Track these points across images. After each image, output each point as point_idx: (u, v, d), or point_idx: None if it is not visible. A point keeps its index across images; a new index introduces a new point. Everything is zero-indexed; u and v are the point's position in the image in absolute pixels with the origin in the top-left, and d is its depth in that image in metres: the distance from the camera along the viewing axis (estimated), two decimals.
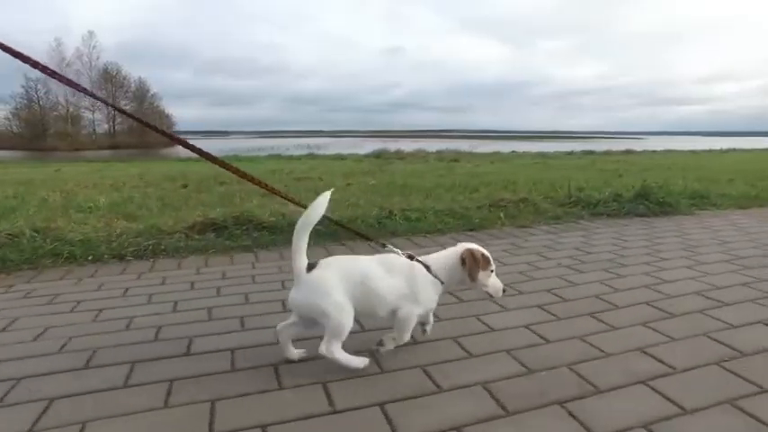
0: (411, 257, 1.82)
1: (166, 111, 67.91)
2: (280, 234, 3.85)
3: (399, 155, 16.16)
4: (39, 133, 49.92)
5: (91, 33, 59.51)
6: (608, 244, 3.62)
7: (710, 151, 22.05)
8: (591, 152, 20.34)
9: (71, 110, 55.16)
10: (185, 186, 7.44)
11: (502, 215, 4.53)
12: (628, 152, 20.54)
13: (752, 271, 2.88)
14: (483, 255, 1.83)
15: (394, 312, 1.75)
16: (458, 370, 1.72)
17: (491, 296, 1.88)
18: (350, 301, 1.67)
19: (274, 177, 8.41)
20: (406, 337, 1.80)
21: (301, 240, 1.67)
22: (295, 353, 1.79)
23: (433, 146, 26.28)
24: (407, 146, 21.91)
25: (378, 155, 16.33)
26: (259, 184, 1.87)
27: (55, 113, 52.91)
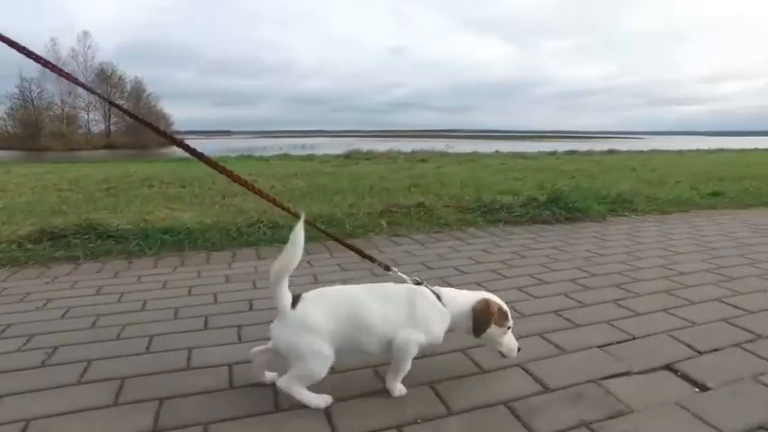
0: (418, 284, 1.62)
1: (164, 111, 67.86)
2: (126, 242, 3.54)
3: (368, 155, 15.80)
4: (34, 133, 49.96)
5: (86, 33, 59.46)
6: (464, 257, 3.23)
7: (698, 151, 21.52)
8: (573, 152, 19.88)
9: (66, 110, 55.24)
10: (108, 189, 7.14)
11: (384, 222, 4.16)
12: (610, 152, 20.04)
13: (590, 293, 2.49)
14: (500, 309, 1.62)
15: (390, 344, 1.51)
16: None
17: (503, 355, 1.67)
18: (335, 343, 1.47)
19: (208, 181, 8.06)
20: (406, 367, 1.54)
21: (280, 283, 1.44)
22: (268, 377, 1.60)
23: (429, 146, 26.11)
24: (404, 146, 21.57)
25: (348, 155, 15.98)
26: (245, 185, 1.66)
27: (50, 113, 52.94)
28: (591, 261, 3.10)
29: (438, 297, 1.58)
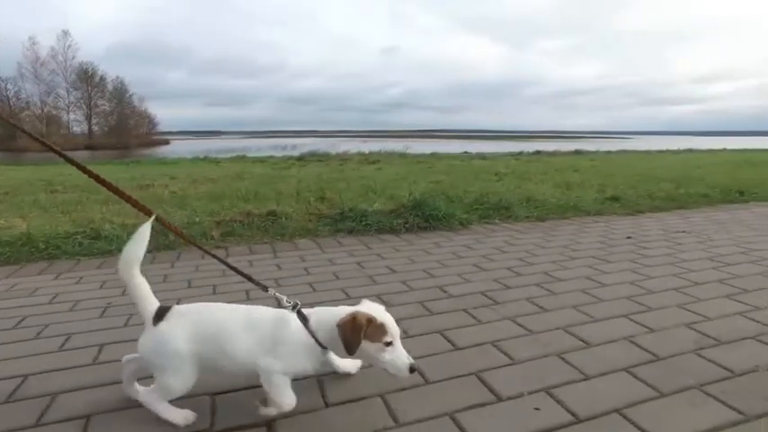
0: (295, 306, 1.50)
1: (149, 111, 67.31)
2: None
3: (321, 157, 15.53)
4: (11, 134, 49.26)
5: (65, 32, 58.74)
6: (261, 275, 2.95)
7: (667, 151, 21.41)
8: (539, 152, 19.67)
9: (46, 110, 54.60)
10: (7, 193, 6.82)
11: (215, 234, 3.88)
12: (576, 152, 19.89)
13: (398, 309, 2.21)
14: (372, 321, 1.41)
15: (250, 370, 1.44)
16: None
17: (391, 374, 1.44)
18: (197, 363, 1.42)
19: (123, 184, 7.71)
20: (285, 403, 1.43)
21: (133, 281, 1.42)
22: (137, 390, 1.52)
23: (423, 146, 26.00)
24: (393, 146, 21.25)
25: (300, 157, 15.68)
26: (110, 187, 1.55)
27: (26, 113, 52.25)
28: (398, 275, 2.83)
29: (305, 322, 1.46)
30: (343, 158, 15.17)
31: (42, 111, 53.96)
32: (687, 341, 1.95)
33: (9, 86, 51.10)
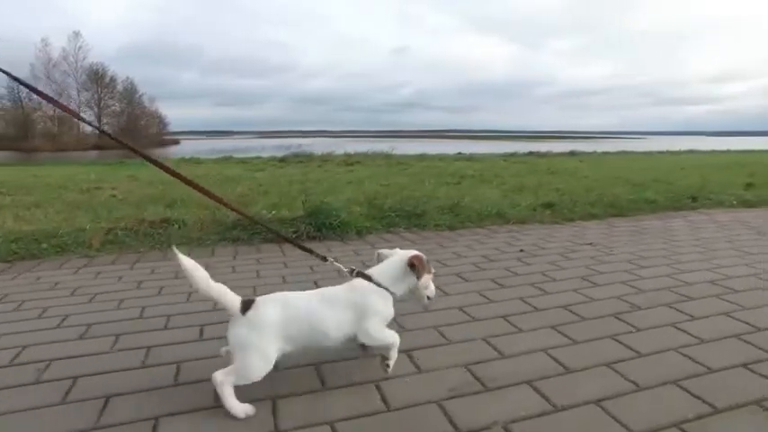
0: (352, 271, 1.77)
1: (159, 111, 68.09)
2: None
3: (302, 158, 15.36)
4: (22, 134, 50.23)
5: (76, 33, 59.58)
6: (100, 287, 2.78)
7: (666, 152, 20.82)
8: (532, 153, 19.25)
9: (57, 111, 55.52)
10: None
11: (95, 242, 3.73)
12: (571, 153, 19.44)
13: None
14: (427, 259, 1.80)
15: (352, 340, 1.68)
16: None
17: (429, 299, 1.85)
18: (281, 346, 1.58)
19: (72, 186, 7.66)
20: (394, 342, 1.72)
21: (210, 286, 1.55)
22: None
23: (433, 147, 25.82)
24: (402, 146, 20.94)
25: (283, 158, 15.55)
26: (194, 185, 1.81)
27: (39, 113, 53.17)
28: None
29: (369, 278, 1.71)
30: (325, 160, 15.01)
31: (54, 112, 54.82)
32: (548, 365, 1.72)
33: (20, 88, 51.94)
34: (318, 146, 24.68)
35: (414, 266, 1.72)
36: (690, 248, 3.61)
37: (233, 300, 1.56)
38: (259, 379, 1.53)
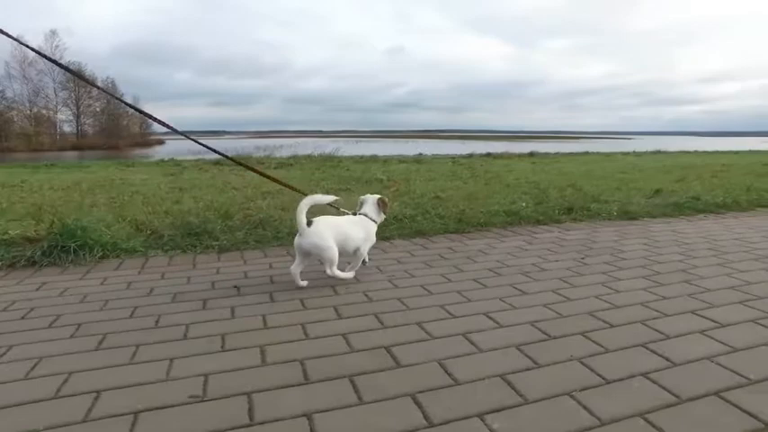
0: (355, 214, 2.94)
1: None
2: None
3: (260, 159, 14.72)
4: None
5: (53, 32, 58.27)
6: None
7: (630, 153, 20.26)
8: (489, 154, 18.70)
9: (35, 110, 54.73)
10: None
11: None
12: (531, 154, 18.88)
13: None
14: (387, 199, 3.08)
15: (356, 250, 2.85)
16: None
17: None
18: (335, 243, 2.67)
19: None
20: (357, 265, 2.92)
21: (303, 210, 2.60)
22: (302, 282, 2.73)
23: (415, 147, 25.29)
24: (387, 147, 20.12)
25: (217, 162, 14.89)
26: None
27: (13, 112, 52.32)
28: None
29: (367, 216, 2.94)
30: (261, 162, 14.34)
31: (31, 111, 54.06)
32: None
33: None
34: (306, 146, 24.13)
35: (381, 201, 2.99)
36: (470, 277, 3.00)
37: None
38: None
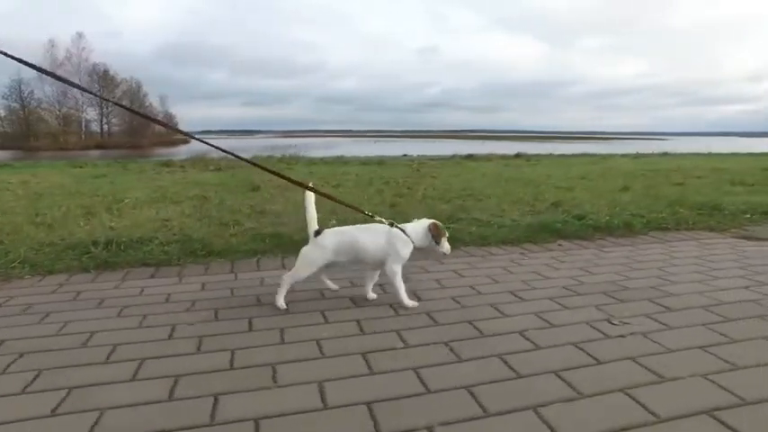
0: (392, 224, 2.51)
1: (170, 111, 69.02)
2: None
3: (207, 161, 14.09)
4: (25, 133, 51.36)
5: (80, 35, 59.40)
6: None
7: (628, 155, 18.57)
8: (471, 155, 17.47)
9: (63, 110, 56.67)
10: None
11: None
12: (517, 156, 17.59)
13: None
14: (442, 225, 2.62)
15: (381, 263, 2.49)
16: None
17: (445, 255, 2.66)
18: (337, 254, 2.45)
19: None
20: (400, 286, 2.50)
21: (311, 209, 2.47)
22: (331, 285, 2.65)
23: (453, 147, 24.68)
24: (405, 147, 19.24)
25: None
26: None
27: (42, 111, 54.30)
28: None
29: (404, 231, 2.49)
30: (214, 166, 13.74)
31: (59, 111, 56.00)
32: None
33: (23, 87, 53.01)
34: (311, 148, 23.63)
35: (430, 230, 2.57)
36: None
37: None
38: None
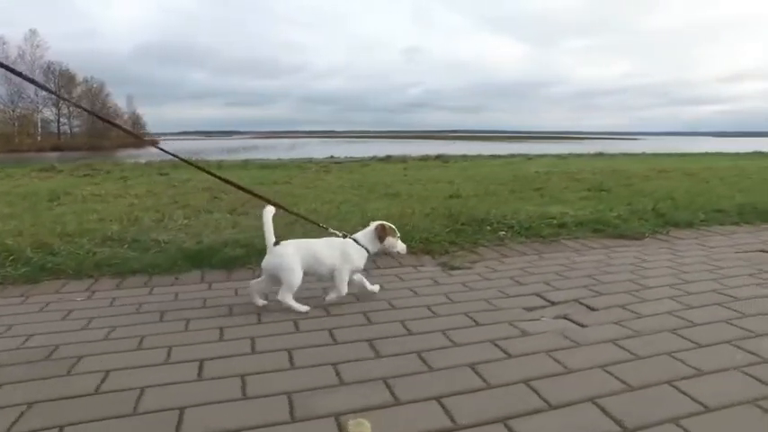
0: (345, 236, 2.64)
1: (137, 112, 67.30)
2: None
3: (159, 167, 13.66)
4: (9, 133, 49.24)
5: (33, 31, 56.33)
6: None
7: (584, 156, 18.77)
8: (426, 157, 17.26)
9: (17, 111, 54.66)
10: None
11: None
12: (464, 157, 17.72)
13: None
14: (390, 226, 2.71)
15: (332, 272, 2.54)
16: None
17: (400, 254, 2.78)
18: (301, 265, 2.47)
19: None
20: (344, 290, 2.56)
21: (268, 223, 2.49)
22: (260, 302, 2.54)
23: (439, 148, 25.19)
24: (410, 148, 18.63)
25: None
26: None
27: None
28: None
29: (356, 241, 2.60)
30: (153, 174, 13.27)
31: (13, 112, 54.01)
32: None
33: None
34: (298, 147, 22.48)
35: (377, 231, 2.66)
36: None
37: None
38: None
